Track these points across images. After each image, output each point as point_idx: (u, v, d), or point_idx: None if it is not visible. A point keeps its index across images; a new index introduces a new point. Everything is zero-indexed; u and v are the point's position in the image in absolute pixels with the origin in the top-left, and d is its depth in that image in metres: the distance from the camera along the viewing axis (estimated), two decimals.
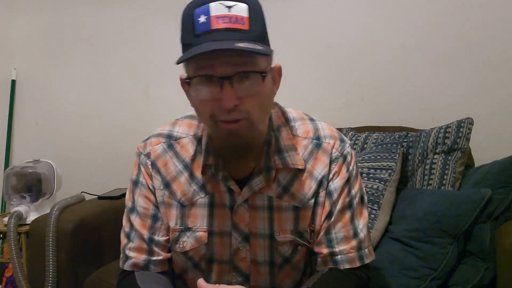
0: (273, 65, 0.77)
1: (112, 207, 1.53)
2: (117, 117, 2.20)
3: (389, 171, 1.38)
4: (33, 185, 1.67)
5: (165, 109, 2.08)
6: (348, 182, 0.86)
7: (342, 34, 1.85)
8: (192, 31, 0.70)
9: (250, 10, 0.71)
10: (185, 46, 0.72)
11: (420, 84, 1.76)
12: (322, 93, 1.89)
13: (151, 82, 2.14)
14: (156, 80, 2.13)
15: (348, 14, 1.84)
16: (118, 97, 2.20)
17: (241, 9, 0.70)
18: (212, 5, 0.69)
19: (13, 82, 2.31)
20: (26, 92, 2.33)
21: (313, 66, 1.87)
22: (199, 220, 0.85)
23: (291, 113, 0.90)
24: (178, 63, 0.70)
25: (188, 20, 0.71)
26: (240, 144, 0.75)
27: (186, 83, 0.73)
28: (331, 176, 0.85)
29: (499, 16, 1.65)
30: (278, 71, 0.80)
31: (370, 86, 1.83)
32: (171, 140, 0.88)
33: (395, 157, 1.41)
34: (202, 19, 0.69)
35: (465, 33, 1.69)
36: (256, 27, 0.71)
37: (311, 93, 1.88)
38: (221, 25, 0.68)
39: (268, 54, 0.70)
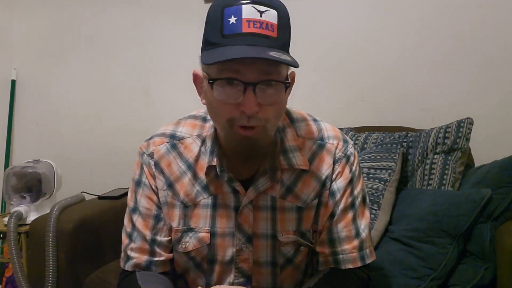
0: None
1: (112, 207, 1.53)
2: (117, 117, 2.20)
3: (389, 171, 1.38)
4: (33, 185, 1.67)
5: (165, 109, 2.08)
6: (351, 182, 0.86)
7: (342, 34, 1.85)
8: (220, 30, 0.69)
9: (280, 17, 0.70)
10: (210, 44, 0.71)
11: (420, 84, 1.76)
12: (322, 93, 1.89)
13: (151, 82, 2.14)
14: (156, 80, 2.13)
15: (348, 14, 1.84)
16: (118, 97, 2.20)
17: (272, 16, 0.69)
18: (244, 7, 0.68)
19: (13, 82, 2.31)
20: (26, 92, 2.33)
21: (313, 66, 1.87)
22: (202, 221, 0.85)
23: (295, 113, 0.90)
24: (209, 64, 0.68)
25: (216, 18, 0.70)
26: (253, 150, 0.75)
27: (209, 83, 0.71)
28: (334, 176, 0.86)
29: (499, 16, 1.65)
30: (293, 79, 0.80)
31: (370, 86, 1.83)
32: (174, 140, 0.88)
33: (395, 157, 1.41)
34: (232, 20, 0.68)
35: (465, 33, 1.69)
36: (284, 35, 0.71)
37: (311, 93, 1.88)
38: (251, 29, 0.68)
39: (297, 66, 0.68)
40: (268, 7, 0.69)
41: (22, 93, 2.33)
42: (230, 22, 0.68)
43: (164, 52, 2.10)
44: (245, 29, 0.68)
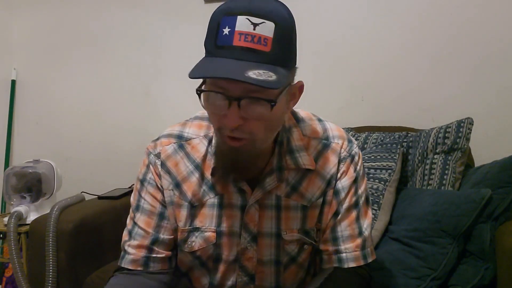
0: (296, 81, 0.77)
1: (112, 207, 1.53)
2: (117, 117, 2.20)
3: (389, 171, 1.38)
4: (33, 185, 1.67)
5: (165, 109, 2.08)
6: (355, 181, 0.87)
7: (342, 33, 1.85)
8: (215, 40, 0.69)
9: (277, 29, 0.68)
10: (206, 51, 0.71)
11: (420, 84, 1.76)
12: (322, 93, 1.89)
13: (151, 82, 2.14)
14: (156, 80, 2.13)
15: (348, 13, 1.84)
16: (118, 97, 2.20)
17: (267, 28, 0.67)
18: (239, 18, 0.67)
19: (13, 82, 2.31)
20: (26, 92, 2.33)
21: (313, 65, 1.87)
22: (208, 221, 0.86)
23: (300, 113, 0.91)
24: (192, 77, 0.67)
25: (214, 26, 0.70)
26: (241, 161, 0.76)
27: (197, 93, 0.72)
28: (339, 175, 0.87)
29: (499, 16, 1.65)
30: (300, 88, 0.78)
31: (370, 86, 1.83)
32: (181, 141, 0.88)
33: (395, 157, 1.41)
34: (226, 31, 0.67)
35: (465, 33, 1.69)
36: (279, 48, 0.68)
37: (311, 93, 1.86)
38: (242, 43, 0.66)
39: (274, 87, 0.65)
40: (264, 19, 0.67)
41: (22, 93, 2.33)
42: (224, 33, 0.68)
43: (164, 52, 2.10)
44: (236, 42, 0.67)
